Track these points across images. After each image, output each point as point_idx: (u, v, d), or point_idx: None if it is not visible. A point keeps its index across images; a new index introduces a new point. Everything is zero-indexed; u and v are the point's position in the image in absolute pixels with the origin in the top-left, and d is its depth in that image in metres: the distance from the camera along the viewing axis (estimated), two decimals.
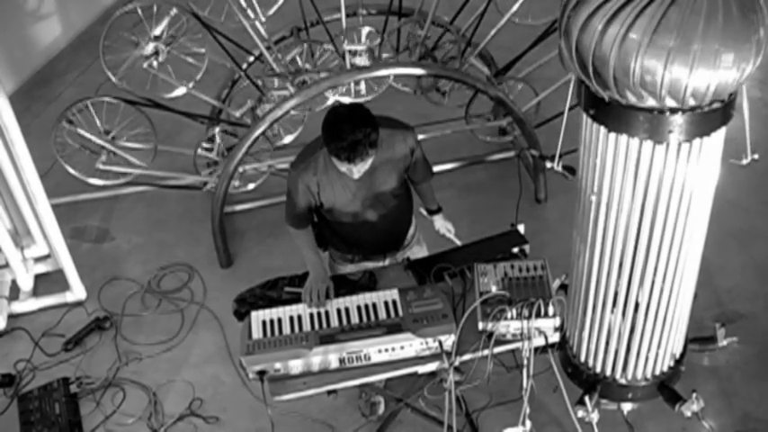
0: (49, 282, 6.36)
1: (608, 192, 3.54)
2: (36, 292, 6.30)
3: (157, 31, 5.95)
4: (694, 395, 4.18)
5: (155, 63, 5.94)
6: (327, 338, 4.05)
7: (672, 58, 2.96)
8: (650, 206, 3.49)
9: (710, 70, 2.98)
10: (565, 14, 3.23)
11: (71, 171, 6.18)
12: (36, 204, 5.76)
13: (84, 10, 9.24)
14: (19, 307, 6.16)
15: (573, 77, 3.50)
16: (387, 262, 4.81)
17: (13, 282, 6.26)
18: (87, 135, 6.01)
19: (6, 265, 6.14)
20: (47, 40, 8.85)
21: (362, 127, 3.93)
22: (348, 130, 3.92)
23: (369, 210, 4.43)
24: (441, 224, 4.87)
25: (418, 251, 4.86)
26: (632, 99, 3.19)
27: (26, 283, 6.23)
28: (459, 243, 4.79)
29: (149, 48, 5.89)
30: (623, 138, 3.33)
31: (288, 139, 6.68)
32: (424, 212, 4.89)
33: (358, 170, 4.08)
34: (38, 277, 6.37)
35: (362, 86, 6.45)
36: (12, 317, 6.13)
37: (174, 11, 6.01)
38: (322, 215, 4.54)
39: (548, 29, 6.35)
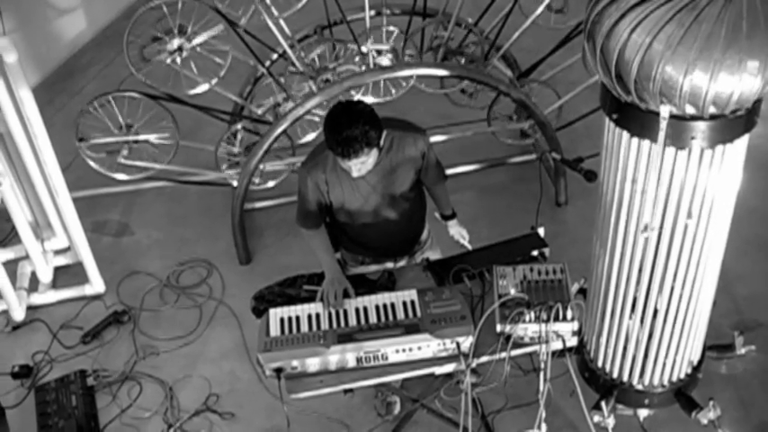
0: (69, 274, 6.39)
1: (629, 197, 3.53)
2: (55, 285, 6.33)
3: (181, 28, 5.96)
4: (711, 403, 4.17)
5: (178, 59, 5.94)
6: (345, 337, 4.05)
7: (694, 66, 2.96)
8: (671, 212, 3.48)
9: (734, 78, 2.97)
10: (590, 19, 3.23)
11: (93, 165, 6.20)
12: (57, 197, 5.79)
13: (109, 5, 9.28)
14: (38, 299, 6.19)
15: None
16: (397, 265, 4.80)
17: (33, 273, 6.29)
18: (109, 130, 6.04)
19: (26, 257, 6.17)
20: (71, 34, 8.89)
21: (359, 123, 3.90)
22: (344, 124, 3.91)
23: (379, 211, 4.42)
24: (455, 230, 4.85)
25: (431, 255, 4.82)
26: (653, 105, 3.18)
27: (46, 276, 6.26)
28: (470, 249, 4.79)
29: (173, 44, 5.89)
30: (646, 143, 3.33)
31: (309, 137, 6.69)
32: (439, 217, 4.88)
33: (357, 168, 4.06)
34: (57, 270, 6.40)
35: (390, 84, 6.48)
36: (31, 308, 6.16)
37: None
38: (333, 215, 4.55)
39: (571, 32, 6.34)
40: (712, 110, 3.11)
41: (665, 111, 3.13)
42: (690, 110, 3.13)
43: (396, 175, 4.29)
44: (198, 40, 5.93)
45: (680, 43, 2.96)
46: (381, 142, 4.06)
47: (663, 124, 3.18)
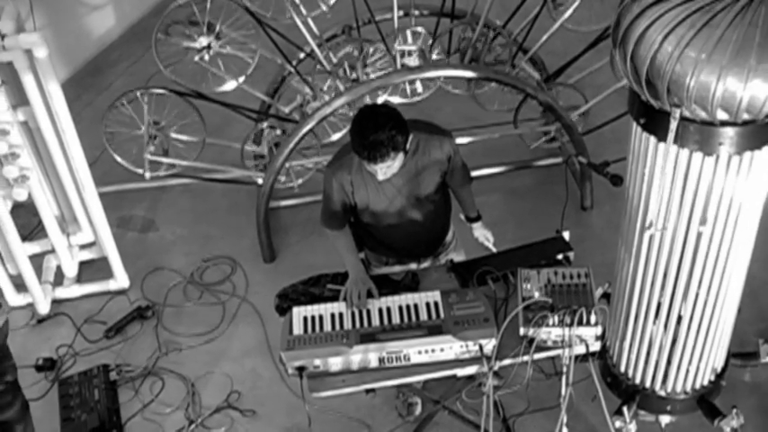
0: (94, 269, 6.41)
1: (655, 202, 3.52)
2: (80, 279, 6.36)
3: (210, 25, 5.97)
4: (734, 411, 4.15)
5: (206, 56, 5.95)
6: (368, 337, 4.05)
7: (701, 68, 2.96)
8: (697, 218, 3.47)
9: (741, 84, 2.96)
10: (617, 18, 3.23)
11: (119, 160, 6.22)
12: (83, 192, 5.81)
13: (138, 2, 9.30)
14: (63, 293, 6.22)
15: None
16: (421, 266, 4.79)
17: (59, 267, 6.33)
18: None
19: (52, 251, 6.20)
20: (100, 31, 8.91)
21: (385, 127, 3.90)
22: (371, 128, 3.91)
23: (404, 213, 4.41)
24: (480, 233, 4.84)
25: (455, 257, 4.81)
26: (666, 107, 3.18)
27: (71, 270, 6.29)
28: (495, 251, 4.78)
29: (202, 41, 5.90)
30: (673, 148, 3.31)
31: (336, 136, 6.69)
32: (463, 219, 4.87)
33: (383, 172, 4.06)
34: (82, 264, 6.43)
35: (418, 85, 6.46)
36: (55, 302, 6.19)
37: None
38: (358, 216, 4.55)
39: (599, 36, 6.31)
40: (723, 115, 3.10)
41: (675, 111, 3.13)
42: (700, 112, 3.12)
43: (421, 177, 4.29)
44: (227, 49, 5.95)
45: (689, 45, 2.95)
46: (408, 146, 4.06)
47: (673, 125, 3.17)
